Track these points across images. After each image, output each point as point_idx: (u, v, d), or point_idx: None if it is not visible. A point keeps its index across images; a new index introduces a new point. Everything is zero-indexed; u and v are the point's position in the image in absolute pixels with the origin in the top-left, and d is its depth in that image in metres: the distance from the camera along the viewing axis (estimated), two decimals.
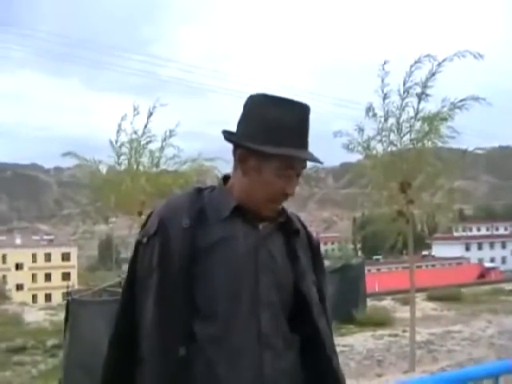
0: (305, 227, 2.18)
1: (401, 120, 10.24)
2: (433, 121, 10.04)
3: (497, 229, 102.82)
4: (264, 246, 1.98)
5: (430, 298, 20.82)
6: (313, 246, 2.17)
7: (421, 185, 10.78)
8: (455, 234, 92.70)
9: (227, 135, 2.00)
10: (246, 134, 1.93)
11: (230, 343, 1.87)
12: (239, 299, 1.89)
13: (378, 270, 65.76)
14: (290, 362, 1.97)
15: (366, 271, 20.92)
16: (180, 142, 11.63)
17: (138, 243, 2.01)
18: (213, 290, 1.88)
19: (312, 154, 1.96)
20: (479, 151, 11.34)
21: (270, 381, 1.89)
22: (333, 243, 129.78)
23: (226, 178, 2.07)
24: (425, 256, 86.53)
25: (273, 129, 1.89)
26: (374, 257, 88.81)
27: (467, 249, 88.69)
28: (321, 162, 1.98)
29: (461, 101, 9.96)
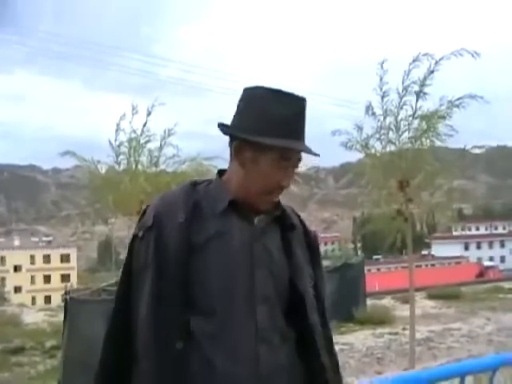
0: (302, 221, 2.18)
1: (399, 118, 10.26)
2: (431, 119, 10.06)
3: (496, 228, 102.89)
4: (259, 240, 1.97)
5: (430, 297, 20.89)
6: (309, 240, 2.16)
7: (420, 184, 10.79)
8: (454, 233, 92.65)
9: (223, 128, 2.00)
10: (243, 125, 1.94)
11: (227, 339, 1.86)
12: (235, 294, 1.89)
13: (378, 269, 65.76)
14: (287, 357, 1.97)
15: (366, 271, 20.96)
16: (180, 141, 11.60)
17: (134, 237, 2.02)
18: (208, 285, 1.88)
19: (308, 146, 1.96)
20: (478, 151, 11.37)
21: (266, 376, 1.88)
22: (333, 243, 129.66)
23: (222, 172, 2.07)
24: (424, 255, 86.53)
25: (269, 120, 1.90)
26: (374, 256, 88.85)
27: (466, 248, 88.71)
28: (317, 155, 1.98)
29: (458, 99, 9.98)
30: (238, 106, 1.98)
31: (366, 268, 22.23)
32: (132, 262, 1.99)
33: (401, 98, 10.12)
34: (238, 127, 1.96)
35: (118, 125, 11.13)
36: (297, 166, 2.00)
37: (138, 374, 1.92)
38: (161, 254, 1.89)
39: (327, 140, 10.70)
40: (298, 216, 2.17)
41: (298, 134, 1.94)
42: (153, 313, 1.87)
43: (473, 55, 9.80)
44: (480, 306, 18.65)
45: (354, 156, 11.68)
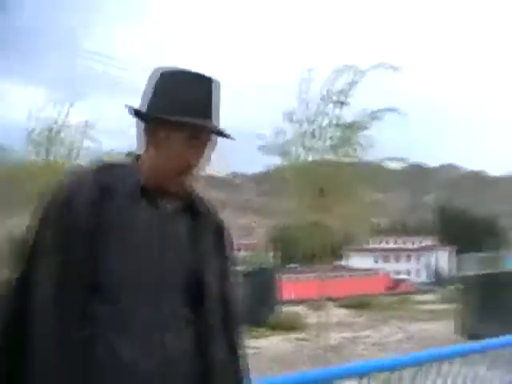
0: (213, 211, 2.16)
1: (320, 126, 10.42)
2: (351, 128, 10.27)
3: (412, 243, 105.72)
4: (168, 225, 1.94)
5: (343, 306, 21.32)
6: (220, 232, 2.15)
7: (337, 194, 10.96)
8: (369, 245, 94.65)
9: (134, 110, 1.98)
10: (154, 106, 1.93)
11: (133, 326, 1.82)
12: (142, 280, 1.85)
13: (295, 278, 66.31)
14: (190, 343, 1.95)
15: (282, 279, 21.13)
16: (107, 139, 11.47)
17: (39, 218, 1.94)
18: (115, 271, 1.82)
19: (219, 127, 1.98)
20: (396, 166, 11.64)
21: (173, 364, 1.86)
22: (251, 250, 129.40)
23: (136, 157, 2.05)
24: (339, 266, 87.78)
25: (180, 100, 1.90)
26: (290, 265, 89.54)
27: (380, 261, 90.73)
28: (227, 136, 1.99)
29: (378, 111, 10.23)
30: (148, 88, 1.98)
31: (282, 276, 22.39)
32: (36, 244, 1.91)
33: (319, 106, 10.30)
34: (149, 108, 1.95)
35: (36, 115, 10.90)
36: (208, 147, 2.01)
37: (38, 362, 1.85)
38: (67, 235, 1.82)
39: (251, 146, 10.78)
40: (211, 207, 2.16)
41: (208, 113, 1.95)
42: (56, 297, 1.80)
43: (394, 69, 10.10)
44: (390, 315, 19.19)
45: (277, 162, 11.80)
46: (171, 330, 1.86)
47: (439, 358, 4.27)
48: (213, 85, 1.96)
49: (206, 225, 2.05)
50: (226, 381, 2.04)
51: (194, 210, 2.03)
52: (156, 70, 1.98)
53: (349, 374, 3.81)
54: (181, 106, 1.90)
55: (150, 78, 1.98)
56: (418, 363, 4.18)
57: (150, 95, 1.96)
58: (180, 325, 1.89)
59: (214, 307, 2.00)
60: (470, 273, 18.47)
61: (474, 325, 14.98)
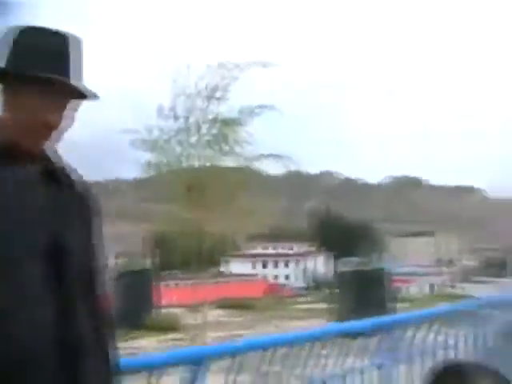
0: (76, 177, 2.11)
1: (195, 122, 10.43)
2: (227, 125, 10.34)
3: (291, 248, 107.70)
4: (28, 189, 1.89)
5: (222, 307, 21.58)
6: (83, 197, 2.10)
7: (216, 200, 10.99)
8: (247, 251, 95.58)
9: None
10: (10, 63, 1.88)
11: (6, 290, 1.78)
12: (1, 244, 1.81)
13: (175, 284, 65.98)
14: (54, 313, 1.90)
15: (162, 285, 21.00)
16: None
17: None
18: None
19: (83, 85, 1.93)
20: (275, 172, 11.84)
21: (34, 333, 1.83)
22: (128, 256, 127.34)
23: None
24: (218, 272, 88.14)
25: (38, 55, 1.84)
26: (169, 271, 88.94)
27: (259, 266, 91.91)
28: (90, 93, 1.96)
29: (257, 107, 10.39)
30: (2, 46, 1.91)
31: (162, 282, 22.25)
32: None
33: (194, 102, 10.31)
34: (7, 66, 1.90)
35: None
36: (65, 107, 1.95)
37: None
38: None
39: (128, 150, 10.66)
40: (74, 174, 2.11)
41: (68, 70, 1.91)
42: None
43: (269, 66, 10.31)
44: (269, 315, 19.68)
45: (152, 160, 11.70)
46: (33, 299, 1.81)
47: (309, 340, 4.44)
48: (70, 40, 1.91)
49: (70, 190, 2.00)
50: (89, 350, 2.00)
51: (56, 175, 1.98)
52: (7, 27, 1.92)
53: (221, 353, 3.88)
54: (40, 61, 1.84)
55: (2, 35, 1.90)
56: (288, 343, 4.31)
57: (6, 53, 1.89)
58: (42, 294, 1.84)
59: (78, 276, 1.95)
60: (345, 269, 19.30)
61: (348, 318, 15.57)
